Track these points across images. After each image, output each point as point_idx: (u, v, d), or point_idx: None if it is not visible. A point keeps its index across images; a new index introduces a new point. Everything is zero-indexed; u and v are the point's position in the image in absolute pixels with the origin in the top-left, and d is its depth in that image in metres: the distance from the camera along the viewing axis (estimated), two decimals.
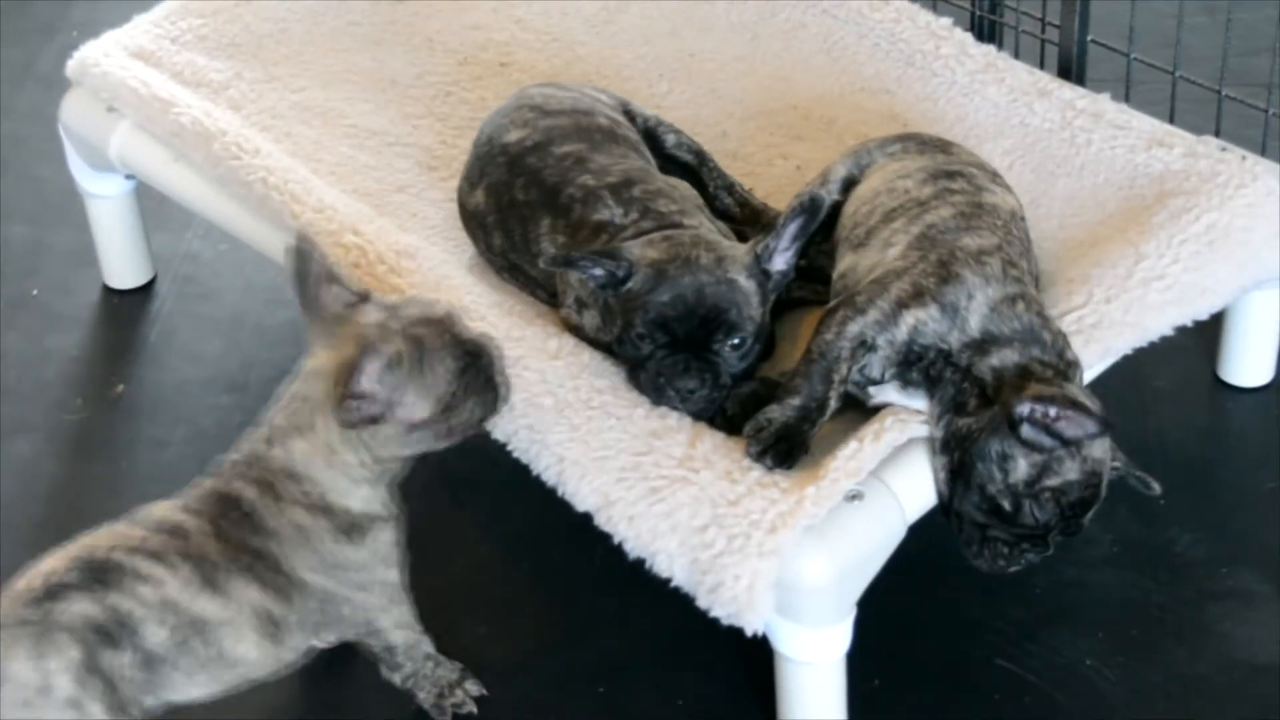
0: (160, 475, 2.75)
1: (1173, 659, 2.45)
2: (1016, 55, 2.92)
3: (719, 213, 2.68)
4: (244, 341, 2.97)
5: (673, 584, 2.24)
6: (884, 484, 2.24)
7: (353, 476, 2.16)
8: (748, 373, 2.36)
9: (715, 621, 2.21)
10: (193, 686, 2.12)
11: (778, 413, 2.28)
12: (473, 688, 2.36)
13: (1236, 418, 2.76)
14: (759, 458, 2.26)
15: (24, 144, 3.38)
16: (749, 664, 2.36)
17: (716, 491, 2.24)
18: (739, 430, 2.32)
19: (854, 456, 2.22)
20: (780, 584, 2.19)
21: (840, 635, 2.26)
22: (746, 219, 2.69)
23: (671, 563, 2.23)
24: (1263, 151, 2.69)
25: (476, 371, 2.16)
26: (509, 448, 2.36)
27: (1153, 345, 2.47)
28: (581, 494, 2.30)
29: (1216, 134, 2.73)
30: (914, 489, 2.27)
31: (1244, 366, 2.78)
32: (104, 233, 3.05)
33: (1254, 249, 2.58)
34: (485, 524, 2.66)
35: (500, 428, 2.37)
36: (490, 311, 2.47)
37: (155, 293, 3.08)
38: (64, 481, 2.78)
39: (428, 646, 2.33)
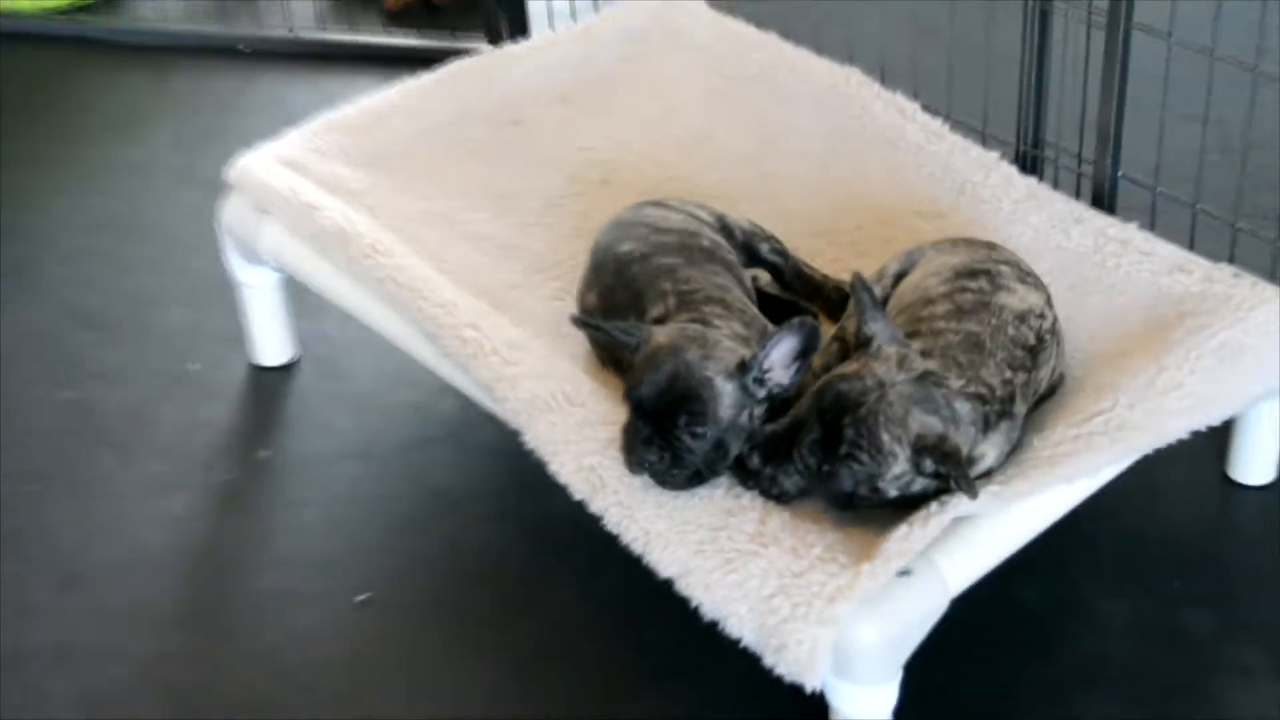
0: (299, 532, 2.80)
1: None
2: (1055, 186, 2.93)
3: (789, 288, 2.74)
4: (372, 418, 3.00)
5: (742, 644, 2.26)
6: (931, 562, 2.25)
7: None
8: (714, 467, 2.33)
9: (779, 678, 2.23)
10: None
11: (769, 427, 2.34)
12: None
13: (1242, 512, 2.75)
14: (749, 454, 2.33)
15: (184, 238, 3.43)
16: (807, 716, 2.36)
17: (783, 565, 2.25)
18: (788, 500, 2.34)
19: (905, 538, 2.23)
20: (837, 648, 2.20)
21: (888, 694, 2.26)
22: (809, 295, 2.74)
23: (742, 625, 2.24)
24: (1271, 277, 2.69)
25: None
26: (602, 521, 2.38)
27: (1168, 445, 2.48)
28: (664, 563, 2.31)
29: (1230, 261, 2.73)
30: (958, 567, 2.27)
31: (1250, 466, 2.77)
32: (253, 317, 3.08)
33: (1262, 364, 2.57)
34: (577, 585, 2.67)
35: (595, 503, 2.38)
36: (589, 399, 2.48)
37: (297, 371, 3.11)
38: (213, 537, 2.81)
39: None
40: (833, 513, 2.33)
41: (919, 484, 2.27)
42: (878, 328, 2.31)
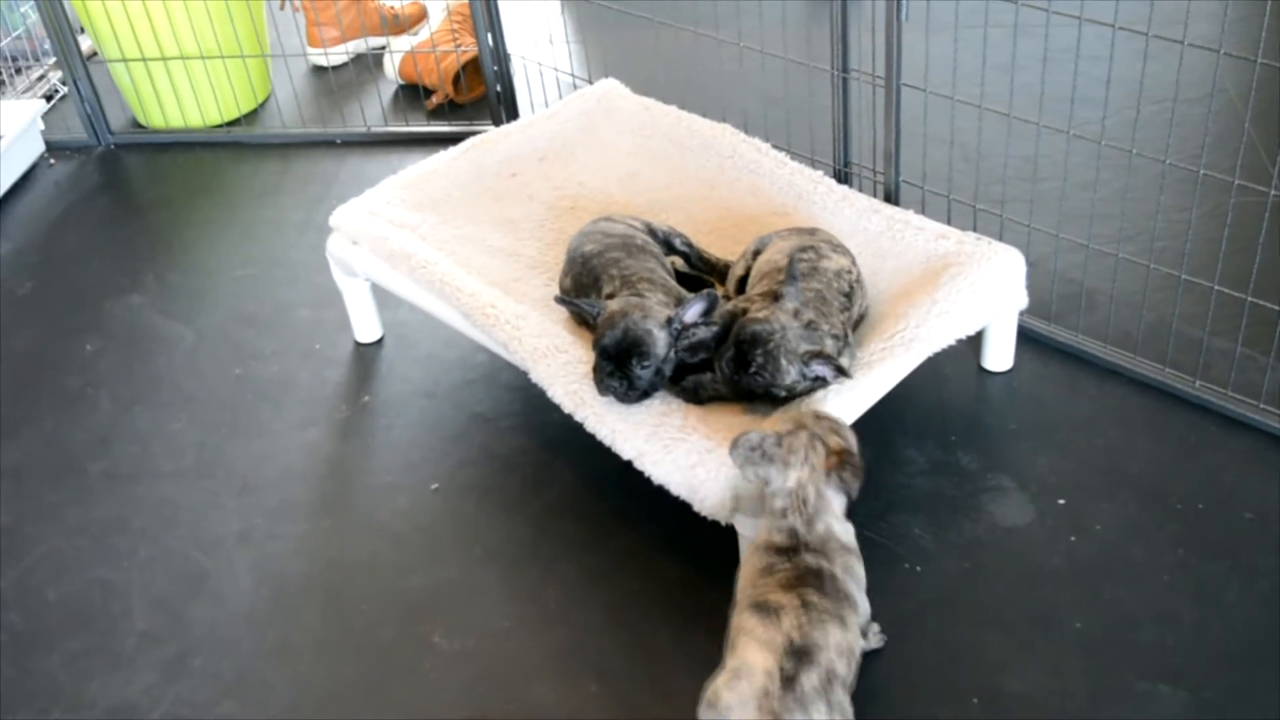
0: (391, 446, 2.73)
1: (961, 527, 2.40)
2: (860, 190, 2.87)
3: (695, 268, 2.67)
4: (433, 368, 2.93)
5: (680, 498, 2.21)
6: None
7: (843, 520, 2.01)
8: (654, 387, 2.28)
9: (704, 517, 2.18)
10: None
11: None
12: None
13: (993, 389, 2.70)
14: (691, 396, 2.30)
15: (307, 264, 3.35)
16: (722, 537, 2.30)
17: (701, 445, 2.19)
18: (701, 402, 2.30)
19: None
20: (738, 496, 2.15)
21: None
22: (708, 271, 2.67)
23: (678, 487, 2.20)
24: (1000, 238, 2.64)
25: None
26: (584, 426, 2.32)
27: (942, 349, 2.43)
28: (625, 450, 2.26)
29: (974, 229, 2.67)
30: None
31: (995, 359, 2.72)
32: (354, 311, 3.00)
33: (998, 294, 2.53)
34: (572, 469, 2.61)
35: (578, 415, 2.32)
36: (570, 348, 2.43)
37: (383, 344, 3.03)
38: (336, 453, 2.74)
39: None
40: (733, 407, 2.28)
41: (801, 387, 2.22)
42: (790, 291, 2.26)
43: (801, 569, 1.93)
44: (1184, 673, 2.11)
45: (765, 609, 1.88)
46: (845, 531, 2.01)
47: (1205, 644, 2.15)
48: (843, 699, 1.86)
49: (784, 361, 2.19)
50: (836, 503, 2.01)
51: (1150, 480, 2.45)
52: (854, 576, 1.98)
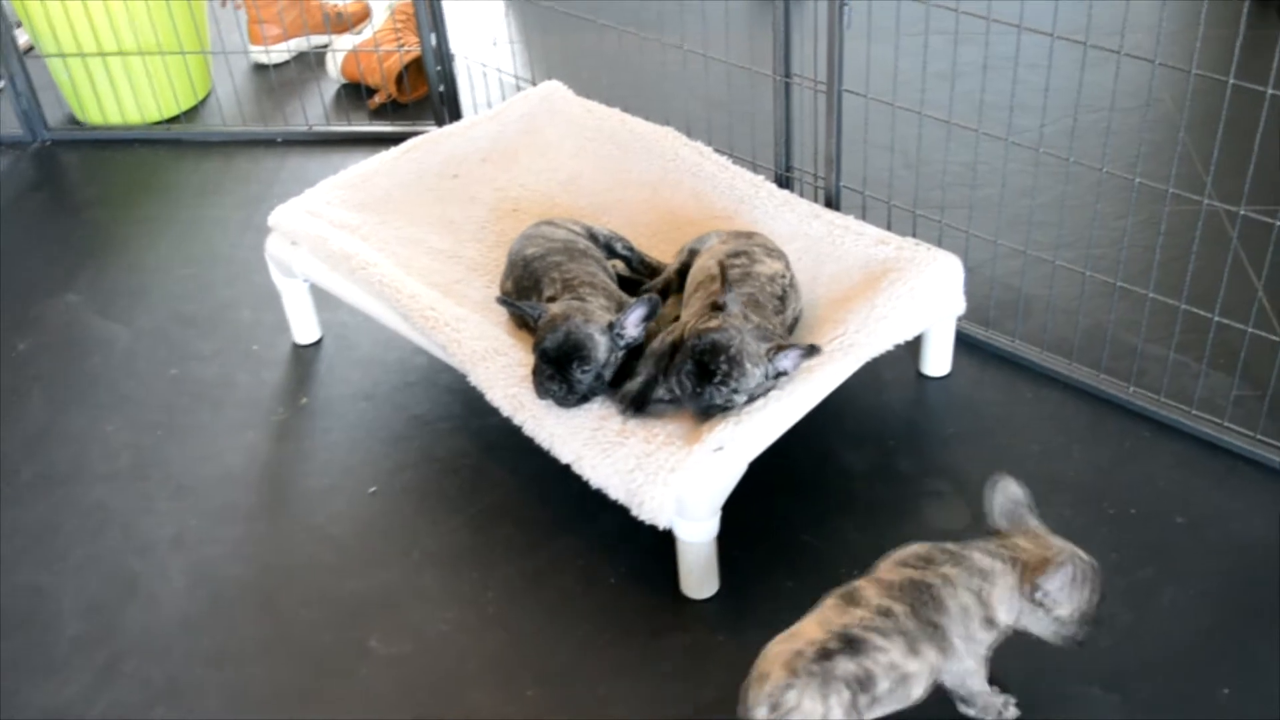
0: (329, 449, 2.69)
1: (897, 530, 2.39)
2: (801, 195, 2.88)
3: (636, 272, 2.66)
4: (372, 371, 2.90)
5: (618, 501, 2.19)
6: (735, 442, 2.18)
7: (1010, 606, 1.91)
8: (594, 391, 2.27)
9: (642, 521, 2.17)
10: (879, 715, 1.85)
11: (631, 385, 2.27)
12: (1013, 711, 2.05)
13: (931, 393, 2.71)
14: (624, 410, 2.25)
15: (247, 264, 3.30)
16: (660, 541, 2.29)
17: (640, 449, 2.18)
18: (643, 412, 2.27)
19: (719, 430, 2.18)
20: (677, 500, 2.14)
21: (712, 525, 2.21)
22: (650, 275, 2.65)
23: (616, 490, 2.18)
24: (939, 244, 2.64)
25: (1099, 601, 1.96)
26: (522, 429, 2.31)
27: (881, 354, 2.43)
28: (563, 454, 2.24)
29: (913, 235, 2.68)
30: (751, 443, 2.21)
31: (933, 364, 2.73)
32: (293, 312, 2.96)
33: (936, 299, 2.54)
34: (509, 472, 2.60)
35: (517, 418, 2.31)
36: (510, 350, 2.41)
37: (322, 346, 2.99)
38: (274, 456, 2.70)
39: (990, 698, 1.99)
40: (670, 413, 2.27)
41: (760, 389, 2.22)
42: (730, 298, 2.25)
43: (918, 581, 1.89)
44: (1117, 676, 2.12)
45: (849, 597, 1.88)
46: (999, 603, 1.89)
47: (1139, 647, 2.17)
48: (864, 712, 1.81)
49: (748, 365, 2.18)
50: (1012, 591, 1.91)
51: (1084, 484, 2.47)
52: (969, 632, 1.88)
